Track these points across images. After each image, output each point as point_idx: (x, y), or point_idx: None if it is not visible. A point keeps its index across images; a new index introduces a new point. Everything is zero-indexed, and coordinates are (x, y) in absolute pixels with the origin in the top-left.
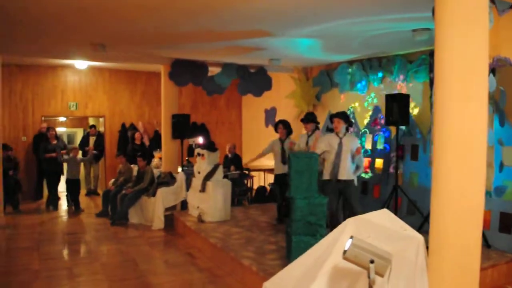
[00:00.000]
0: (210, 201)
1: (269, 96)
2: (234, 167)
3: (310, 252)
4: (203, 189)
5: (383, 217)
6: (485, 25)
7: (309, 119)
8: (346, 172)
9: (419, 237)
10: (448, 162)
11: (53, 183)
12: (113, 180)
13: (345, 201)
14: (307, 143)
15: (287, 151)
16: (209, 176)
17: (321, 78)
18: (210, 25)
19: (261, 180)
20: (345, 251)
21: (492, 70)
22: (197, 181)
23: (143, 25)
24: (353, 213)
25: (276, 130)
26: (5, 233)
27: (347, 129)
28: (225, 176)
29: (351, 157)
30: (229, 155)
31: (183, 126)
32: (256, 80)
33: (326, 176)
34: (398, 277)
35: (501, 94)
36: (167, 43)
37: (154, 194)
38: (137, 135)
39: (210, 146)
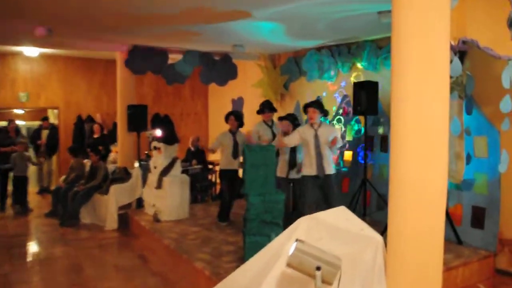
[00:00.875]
0: (166, 198)
1: (236, 85)
2: (196, 161)
3: (260, 255)
4: (159, 186)
5: (339, 216)
6: (447, 5)
7: (271, 108)
8: (329, 165)
9: (378, 237)
10: (406, 152)
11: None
12: (64, 176)
13: (323, 197)
14: (274, 135)
15: (242, 144)
16: (165, 171)
17: (289, 66)
18: (167, 8)
19: None
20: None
21: (461, 54)
22: (153, 177)
23: (94, 4)
24: None
25: (226, 121)
26: None
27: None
28: (185, 171)
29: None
30: (192, 149)
31: (140, 118)
32: (220, 68)
33: (309, 171)
34: (353, 281)
35: (467, 79)
36: (123, 28)
37: (107, 192)
38: (95, 127)
39: (167, 138)
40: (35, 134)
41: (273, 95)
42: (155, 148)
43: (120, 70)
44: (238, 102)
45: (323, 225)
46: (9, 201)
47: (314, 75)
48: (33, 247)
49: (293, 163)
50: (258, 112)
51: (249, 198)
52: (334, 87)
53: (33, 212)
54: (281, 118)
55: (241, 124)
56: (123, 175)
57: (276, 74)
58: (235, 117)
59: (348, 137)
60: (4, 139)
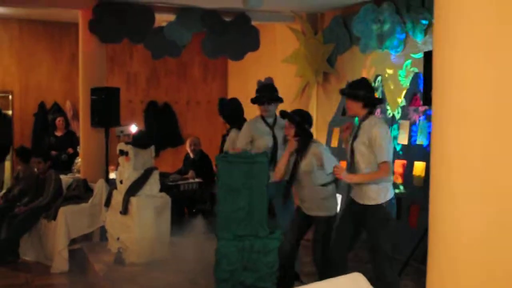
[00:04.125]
0: (134, 229)
1: (264, 60)
2: (194, 172)
3: None
4: (124, 210)
5: None
6: None
7: (272, 96)
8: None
9: None
10: None
11: None
12: (3, 191)
13: (357, 235)
14: (275, 140)
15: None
16: (134, 188)
17: (335, 30)
18: None
19: None
20: None
21: None
22: (118, 196)
23: None
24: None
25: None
26: None
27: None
28: (174, 187)
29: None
30: (191, 155)
31: (108, 107)
32: (233, 34)
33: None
34: None
35: None
36: None
37: (55, 216)
38: (58, 121)
39: (138, 139)
40: None
41: (312, 74)
42: (121, 153)
43: (83, 38)
44: None
45: None
46: None
47: (371, 43)
48: None
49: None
50: (254, 101)
51: (218, 243)
52: (401, 61)
53: None
54: (282, 115)
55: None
56: (80, 192)
57: (317, 42)
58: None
59: (421, 140)
60: None
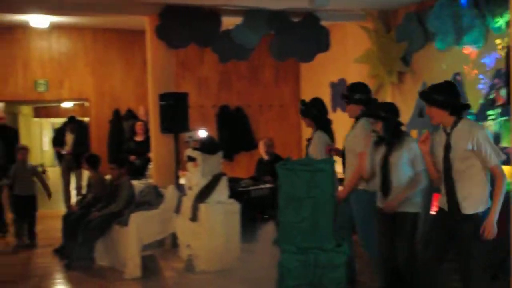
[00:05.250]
0: (204, 236)
1: (336, 62)
2: (272, 177)
3: None
4: (193, 217)
5: None
6: None
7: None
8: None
9: None
10: None
11: None
12: (79, 197)
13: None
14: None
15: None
16: (203, 194)
17: (408, 27)
18: None
19: None
20: None
21: None
22: (187, 203)
23: None
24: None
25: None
26: None
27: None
28: (244, 193)
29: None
30: (265, 158)
31: (177, 112)
32: (302, 35)
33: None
34: None
35: None
36: None
37: (127, 222)
38: (138, 126)
39: (206, 144)
40: (57, 138)
41: (386, 74)
42: (189, 159)
43: (151, 44)
44: (339, 87)
45: None
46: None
47: (448, 39)
48: None
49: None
50: (343, 97)
51: (281, 256)
52: (481, 57)
53: (37, 246)
54: (363, 113)
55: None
56: (151, 198)
57: (390, 40)
58: None
59: (506, 141)
60: None
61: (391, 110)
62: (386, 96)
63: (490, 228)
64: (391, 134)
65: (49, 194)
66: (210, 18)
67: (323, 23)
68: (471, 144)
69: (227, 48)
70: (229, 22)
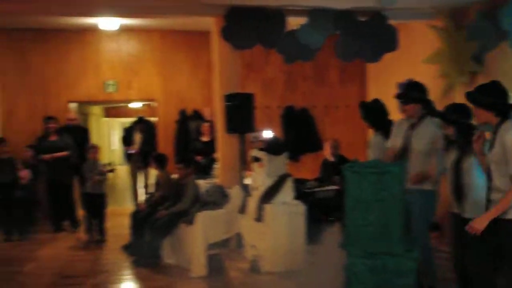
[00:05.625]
0: (269, 237)
1: (403, 61)
2: (340, 177)
3: None
4: (258, 217)
5: None
6: None
7: (414, 96)
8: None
9: None
10: None
11: (56, 197)
12: (147, 196)
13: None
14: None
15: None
16: (268, 195)
17: (480, 26)
18: None
19: None
20: None
21: None
22: (252, 203)
23: None
24: None
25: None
26: None
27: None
28: (309, 195)
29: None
30: (330, 160)
31: (242, 113)
32: (369, 35)
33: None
34: None
35: None
36: None
37: (193, 221)
38: (204, 126)
39: (271, 145)
40: (126, 138)
41: (457, 74)
42: (255, 159)
43: (217, 45)
44: None
45: None
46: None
47: None
48: None
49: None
50: (398, 97)
51: (347, 260)
52: None
53: (107, 242)
54: (432, 114)
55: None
56: (217, 198)
57: (461, 39)
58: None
59: None
60: (42, 144)
61: (464, 112)
62: (456, 96)
63: (477, 225)
64: (464, 139)
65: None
66: (275, 18)
67: (391, 22)
68: (501, 146)
69: (292, 49)
70: (294, 22)
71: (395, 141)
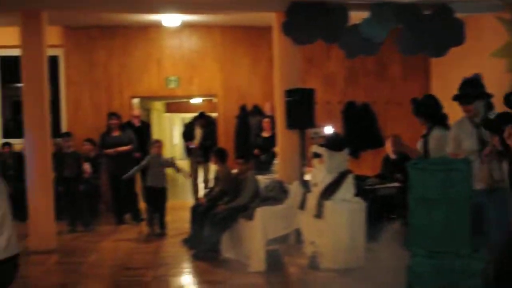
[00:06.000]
0: (328, 234)
1: (469, 55)
2: (402, 175)
3: None
4: (318, 214)
5: None
6: None
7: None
8: None
9: None
10: None
11: (118, 190)
12: (206, 190)
13: None
14: (483, 143)
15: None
16: (328, 191)
17: None
18: None
19: None
20: None
21: None
22: (312, 199)
23: None
24: None
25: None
26: (46, 263)
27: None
28: (369, 192)
29: None
30: (392, 157)
31: (303, 108)
32: (434, 28)
33: None
34: None
35: None
36: None
37: (252, 216)
38: (265, 122)
39: (332, 141)
40: (187, 133)
41: None
42: (315, 155)
43: (278, 40)
44: None
45: None
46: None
47: None
48: None
49: None
50: (456, 99)
51: (411, 260)
52: None
53: (167, 236)
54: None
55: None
56: (276, 194)
57: None
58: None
59: None
60: (106, 139)
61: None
62: None
63: None
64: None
65: (186, 175)
66: (337, 13)
67: (458, 14)
68: None
69: (354, 43)
70: (356, 16)
71: (465, 144)
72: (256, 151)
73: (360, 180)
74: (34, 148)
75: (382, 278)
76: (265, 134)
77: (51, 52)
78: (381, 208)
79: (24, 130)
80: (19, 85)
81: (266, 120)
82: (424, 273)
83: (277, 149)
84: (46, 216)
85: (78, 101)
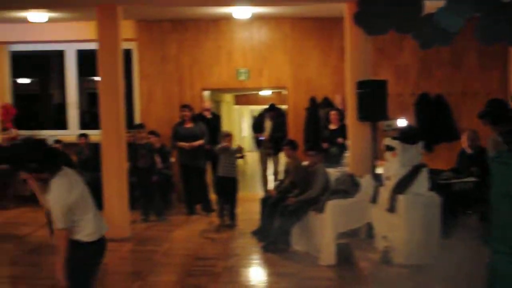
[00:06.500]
0: (401, 229)
1: None
2: (479, 169)
3: None
4: (391, 208)
5: None
6: None
7: None
8: None
9: None
10: None
11: (190, 181)
12: (277, 182)
13: None
14: None
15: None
16: (402, 185)
17: None
18: None
19: None
20: None
21: None
22: (385, 193)
23: None
24: None
25: None
26: (120, 250)
27: None
28: (445, 186)
29: None
30: (468, 151)
31: (375, 100)
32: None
33: None
34: None
35: None
36: None
37: (323, 209)
38: (333, 114)
39: (406, 134)
40: (257, 124)
41: None
42: (388, 148)
43: (349, 31)
44: None
45: None
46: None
47: None
48: (211, 278)
49: None
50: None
51: (492, 257)
52: None
53: (237, 227)
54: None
55: None
56: (348, 187)
57: None
58: None
59: None
60: (179, 131)
61: None
62: None
63: None
64: None
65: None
66: (411, 2)
67: None
68: None
69: (428, 34)
70: (431, 5)
71: None
72: (324, 144)
73: (434, 174)
74: (109, 139)
75: (457, 275)
76: (332, 126)
77: (125, 45)
78: (456, 203)
79: (100, 122)
80: (95, 78)
81: (333, 112)
82: (507, 272)
83: (348, 141)
84: (121, 205)
85: (151, 93)
